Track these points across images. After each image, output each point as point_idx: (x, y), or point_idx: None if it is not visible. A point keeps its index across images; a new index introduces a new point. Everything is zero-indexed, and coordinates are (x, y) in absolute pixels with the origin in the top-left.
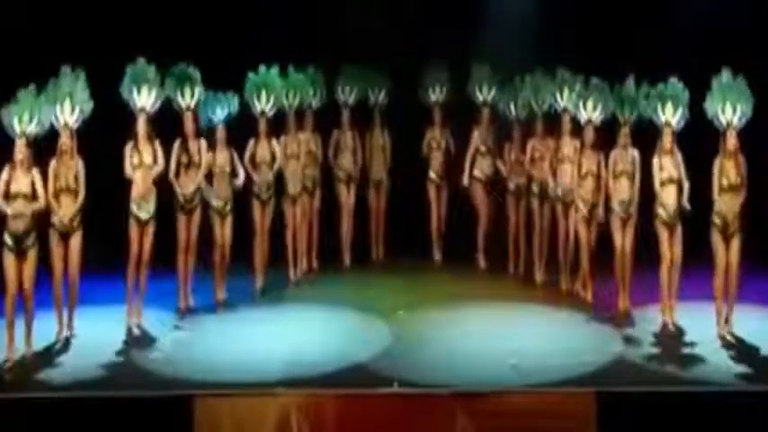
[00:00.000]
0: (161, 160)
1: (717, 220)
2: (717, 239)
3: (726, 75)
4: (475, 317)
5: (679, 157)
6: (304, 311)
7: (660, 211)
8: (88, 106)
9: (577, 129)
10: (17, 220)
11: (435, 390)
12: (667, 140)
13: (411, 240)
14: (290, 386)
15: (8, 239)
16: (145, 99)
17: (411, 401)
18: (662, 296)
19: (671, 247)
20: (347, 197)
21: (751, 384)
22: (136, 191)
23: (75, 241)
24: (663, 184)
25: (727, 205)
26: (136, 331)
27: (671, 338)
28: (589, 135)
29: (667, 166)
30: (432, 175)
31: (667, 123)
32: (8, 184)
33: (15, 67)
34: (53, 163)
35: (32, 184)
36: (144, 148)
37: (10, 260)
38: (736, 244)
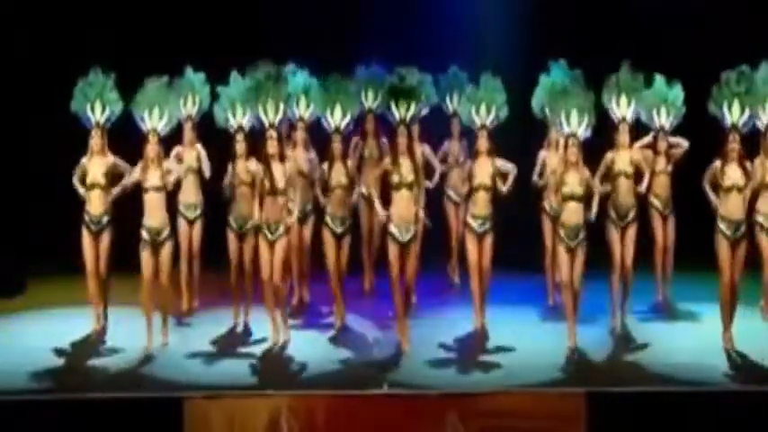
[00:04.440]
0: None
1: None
2: (723, 246)
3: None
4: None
5: (586, 171)
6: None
7: (560, 229)
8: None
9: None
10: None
11: (425, 391)
12: (572, 152)
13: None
14: (279, 387)
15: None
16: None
17: (401, 403)
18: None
19: (570, 269)
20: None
21: (741, 385)
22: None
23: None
24: (564, 200)
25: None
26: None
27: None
28: (483, 142)
29: (570, 180)
30: (449, 192)
31: (573, 134)
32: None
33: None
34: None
35: (162, 177)
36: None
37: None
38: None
